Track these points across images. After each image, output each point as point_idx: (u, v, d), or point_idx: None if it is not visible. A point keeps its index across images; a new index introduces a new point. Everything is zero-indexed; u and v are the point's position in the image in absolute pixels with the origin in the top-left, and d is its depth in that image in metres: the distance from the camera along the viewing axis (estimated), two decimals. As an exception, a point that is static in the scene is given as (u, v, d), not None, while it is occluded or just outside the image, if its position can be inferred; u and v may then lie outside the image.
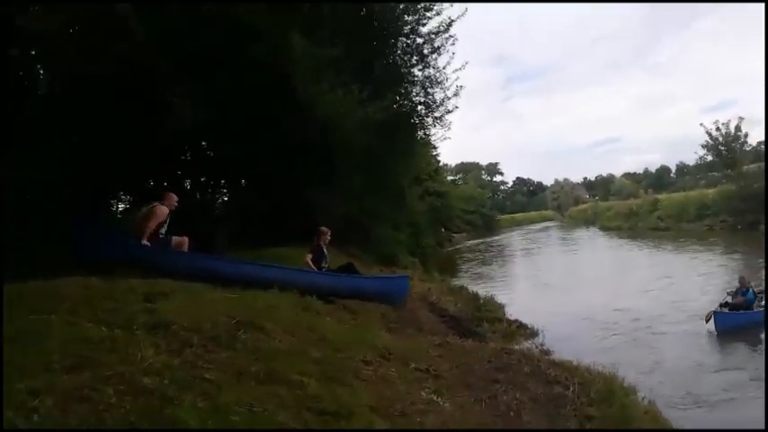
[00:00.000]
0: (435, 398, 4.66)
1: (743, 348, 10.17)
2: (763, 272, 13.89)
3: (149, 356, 3.72)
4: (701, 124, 44.28)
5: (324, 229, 9.03)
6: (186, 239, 7.59)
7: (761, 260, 14.77)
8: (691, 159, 55.57)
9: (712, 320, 10.92)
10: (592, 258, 30.60)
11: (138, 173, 13.53)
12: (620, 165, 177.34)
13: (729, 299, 11.87)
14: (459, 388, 5.15)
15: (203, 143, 14.71)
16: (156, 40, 9.61)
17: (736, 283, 12.21)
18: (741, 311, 11.38)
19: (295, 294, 6.86)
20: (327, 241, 8.93)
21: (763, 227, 33.77)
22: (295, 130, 12.08)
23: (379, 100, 13.29)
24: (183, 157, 15.03)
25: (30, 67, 9.93)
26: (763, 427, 4.52)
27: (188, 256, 7.41)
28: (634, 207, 57.18)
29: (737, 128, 42.03)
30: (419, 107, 17.13)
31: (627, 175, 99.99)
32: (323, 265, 8.55)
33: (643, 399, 5.81)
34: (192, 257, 7.39)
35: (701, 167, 53.12)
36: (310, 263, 8.40)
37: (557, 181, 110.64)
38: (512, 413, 4.64)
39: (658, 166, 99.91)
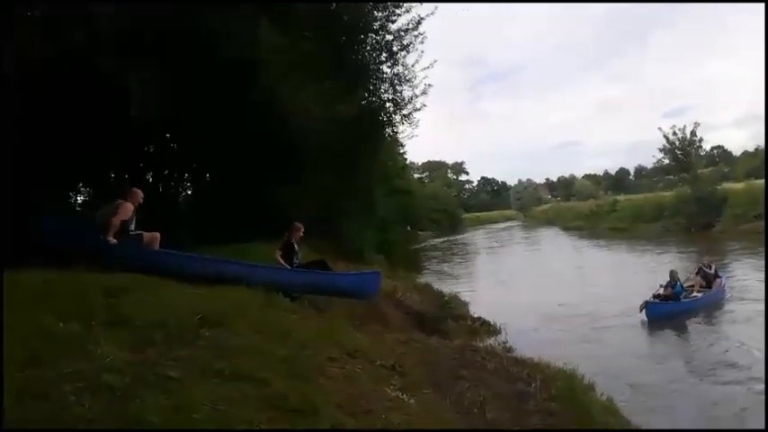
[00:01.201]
0: (401, 395, 4.69)
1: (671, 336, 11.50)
2: (697, 269, 15.14)
3: (110, 353, 3.63)
4: (659, 128, 45.58)
5: (297, 224, 8.89)
6: (158, 235, 7.44)
7: (705, 258, 16.22)
8: (649, 162, 57.30)
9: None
10: (552, 257, 31.28)
11: (99, 164, 13.15)
12: (581, 167, 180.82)
13: (661, 291, 13.18)
14: (425, 385, 5.19)
15: (167, 135, 14.38)
16: (120, 26, 9.34)
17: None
18: (670, 302, 12.76)
19: (261, 291, 6.78)
20: (300, 238, 8.82)
21: (713, 228, 35.26)
22: (261, 124, 11.91)
23: (348, 96, 13.26)
24: (145, 149, 14.67)
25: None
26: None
27: (156, 252, 7.25)
28: (594, 208, 58.76)
29: (693, 133, 43.66)
30: (387, 104, 17.16)
31: (587, 177, 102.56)
32: (294, 261, 8.42)
33: (602, 395, 5.97)
34: (160, 254, 7.24)
35: (659, 170, 54.80)
36: (280, 259, 8.28)
37: (520, 181, 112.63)
38: (476, 410, 4.71)
39: (618, 168, 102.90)
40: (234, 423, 3.23)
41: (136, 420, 2.87)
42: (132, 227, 7.24)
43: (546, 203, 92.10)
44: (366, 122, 15.59)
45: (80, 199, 15.42)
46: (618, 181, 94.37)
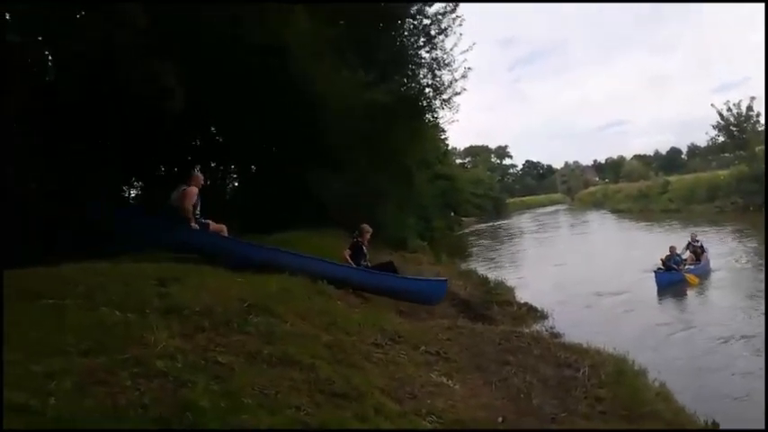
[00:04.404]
0: (445, 380, 4.69)
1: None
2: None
3: (163, 340, 3.77)
4: (712, 105, 43.61)
5: (366, 227, 9.10)
6: (224, 227, 7.71)
7: (693, 234, 16.90)
8: (702, 141, 54.82)
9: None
10: (600, 240, 30.45)
11: (150, 158, 13.60)
12: (630, 147, 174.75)
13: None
14: (470, 370, 5.18)
15: (212, 129, 14.72)
16: (155, 26, 9.57)
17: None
18: (673, 271, 14.37)
19: (306, 279, 6.89)
20: (368, 240, 9.01)
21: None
22: (300, 114, 12.01)
23: (385, 83, 13.21)
24: (192, 143, 15.08)
25: (36, 53, 9.90)
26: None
27: (227, 240, 7.51)
28: (644, 189, 56.65)
29: (749, 108, 41.32)
30: (427, 90, 17.02)
31: (637, 158, 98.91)
32: (362, 263, 8.58)
33: (654, 380, 5.80)
34: (231, 242, 7.51)
35: (713, 149, 52.37)
36: (348, 258, 8.46)
37: (566, 164, 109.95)
38: (522, 395, 4.66)
39: (669, 147, 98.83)
40: (281, 407, 3.31)
41: (187, 405, 2.98)
42: (198, 211, 7.44)
43: (593, 186, 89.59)
44: (404, 109, 15.52)
45: (132, 193, 16.04)
46: (669, 161, 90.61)
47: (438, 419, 3.80)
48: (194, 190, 7.39)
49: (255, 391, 3.44)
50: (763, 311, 9.73)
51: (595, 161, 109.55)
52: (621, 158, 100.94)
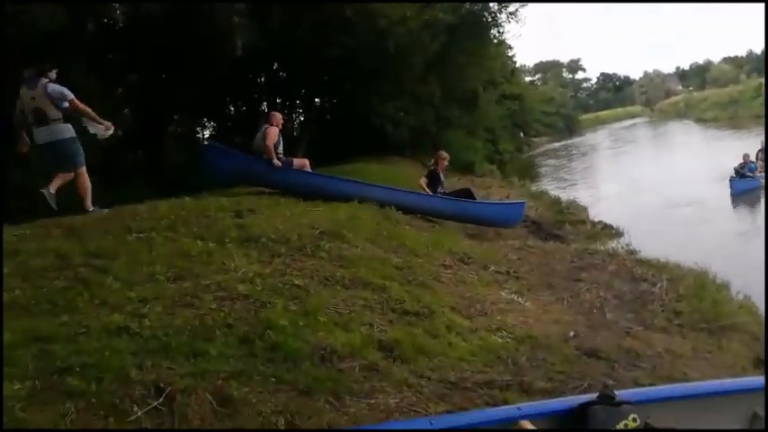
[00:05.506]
0: (516, 298, 4.72)
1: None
2: None
3: (242, 266, 4.00)
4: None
5: (442, 153, 9.07)
6: (307, 161, 7.99)
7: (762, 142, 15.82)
8: (804, 36, 48.96)
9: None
10: (681, 153, 28.57)
11: (218, 98, 13.96)
12: (717, 50, 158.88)
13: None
14: (541, 288, 5.16)
15: (275, 65, 14.78)
16: None
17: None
18: (748, 178, 14.28)
19: (374, 206, 7.00)
20: (445, 167, 8.95)
21: None
22: (359, 41, 11.76)
23: (446, -1, 12.61)
24: (258, 80, 15.26)
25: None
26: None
27: (309, 175, 7.74)
28: (734, 94, 52.05)
29: None
30: (491, 3, 16.12)
31: (727, 60, 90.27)
32: (439, 191, 8.54)
33: (737, 294, 5.56)
34: (311, 176, 7.73)
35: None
36: (425, 186, 8.44)
37: (645, 73, 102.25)
38: (595, 310, 4.62)
39: (764, 46, 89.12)
40: (355, 325, 3.47)
41: (269, 324, 3.18)
42: (281, 149, 7.66)
43: (676, 95, 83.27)
44: (467, 26, 14.83)
45: (206, 133, 16.65)
46: (765, 62, 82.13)
47: (509, 334, 3.85)
48: (275, 129, 7.58)
49: (331, 310, 3.62)
50: None
51: (678, 68, 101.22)
52: (708, 62, 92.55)
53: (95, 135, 5.83)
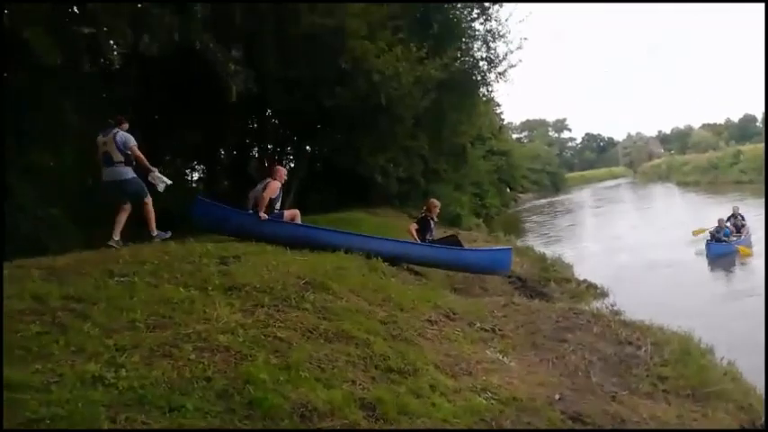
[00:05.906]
0: (501, 357, 4.66)
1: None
2: None
3: (224, 316, 3.93)
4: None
5: (434, 201, 9.24)
6: (298, 212, 8.03)
7: (734, 206, 17.22)
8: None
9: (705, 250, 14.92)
10: (664, 215, 29.08)
11: (209, 142, 14.06)
12: (698, 116, 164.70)
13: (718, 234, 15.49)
14: (526, 347, 5.11)
15: (268, 111, 14.99)
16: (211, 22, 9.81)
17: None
18: (724, 243, 15.03)
19: (361, 256, 6.98)
20: (437, 215, 9.09)
21: None
22: (352, 93, 12.00)
23: (438, 57, 12.99)
24: (250, 126, 15.44)
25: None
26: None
27: (297, 227, 7.70)
28: (713, 160, 53.56)
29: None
30: (481, 63, 16.64)
31: (706, 127, 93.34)
32: (428, 238, 8.63)
33: (722, 359, 5.54)
34: (300, 228, 7.68)
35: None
36: (414, 233, 8.51)
37: (629, 135, 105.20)
38: (580, 373, 4.57)
39: (742, 115, 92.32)
40: (337, 382, 3.39)
41: (248, 378, 3.10)
42: (278, 205, 7.69)
43: (658, 158, 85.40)
44: (459, 83, 15.24)
45: (195, 176, 16.66)
46: (742, 129, 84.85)
47: (493, 396, 3.78)
48: (277, 184, 7.66)
49: (313, 365, 3.54)
50: None
51: (660, 132, 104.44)
52: (689, 128, 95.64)
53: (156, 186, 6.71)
